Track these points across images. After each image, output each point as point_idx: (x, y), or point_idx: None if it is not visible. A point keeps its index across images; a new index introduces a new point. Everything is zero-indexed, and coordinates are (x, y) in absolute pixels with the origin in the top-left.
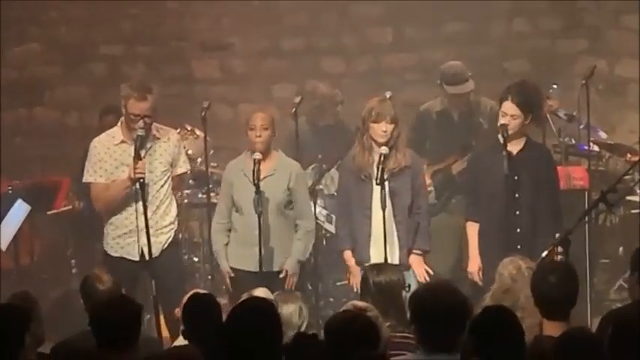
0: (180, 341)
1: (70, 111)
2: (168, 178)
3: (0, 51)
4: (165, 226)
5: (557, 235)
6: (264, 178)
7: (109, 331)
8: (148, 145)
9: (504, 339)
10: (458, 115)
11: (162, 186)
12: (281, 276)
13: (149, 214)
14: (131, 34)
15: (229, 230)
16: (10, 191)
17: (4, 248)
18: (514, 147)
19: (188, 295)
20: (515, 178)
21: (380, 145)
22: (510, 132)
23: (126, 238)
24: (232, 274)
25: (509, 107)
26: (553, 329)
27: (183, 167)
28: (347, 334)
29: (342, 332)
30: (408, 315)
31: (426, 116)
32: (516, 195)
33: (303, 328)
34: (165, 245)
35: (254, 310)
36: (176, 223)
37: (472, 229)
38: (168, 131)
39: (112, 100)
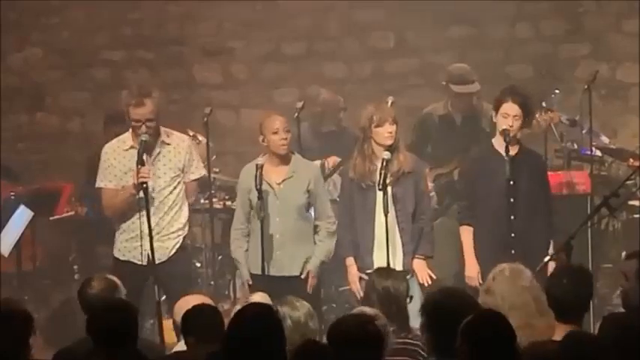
0: (183, 346)
1: (72, 116)
2: (179, 183)
3: (1, 56)
4: (173, 232)
5: (552, 240)
6: (284, 180)
7: (103, 335)
8: (157, 151)
9: (495, 343)
10: (460, 120)
11: (171, 192)
12: (302, 276)
13: (156, 219)
14: (132, 39)
15: (247, 235)
16: (13, 197)
17: (6, 254)
18: (510, 152)
19: (192, 300)
20: (512, 183)
21: (386, 147)
22: (512, 134)
23: (133, 242)
24: (251, 282)
25: (510, 108)
26: (565, 332)
27: (196, 173)
28: (354, 340)
29: (349, 338)
30: (420, 321)
31: (428, 119)
32: (512, 200)
33: (318, 331)
34: (173, 251)
35: (254, 317)
36: (186, 229)
37: (466, 234)
38: (178, 137)
39: (114, 105)
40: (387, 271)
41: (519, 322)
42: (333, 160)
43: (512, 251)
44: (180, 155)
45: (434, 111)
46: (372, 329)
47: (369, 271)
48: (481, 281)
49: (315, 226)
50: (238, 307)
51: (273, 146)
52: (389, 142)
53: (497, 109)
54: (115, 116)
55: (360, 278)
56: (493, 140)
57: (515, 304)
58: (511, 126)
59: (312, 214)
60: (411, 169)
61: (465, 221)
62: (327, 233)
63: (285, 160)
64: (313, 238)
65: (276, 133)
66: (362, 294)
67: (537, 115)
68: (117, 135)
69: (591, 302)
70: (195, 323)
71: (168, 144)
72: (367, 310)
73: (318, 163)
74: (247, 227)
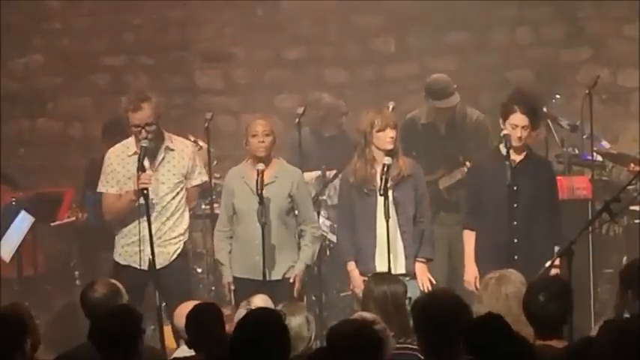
0: (182, 351)
1: (73, 122)
2: (182, 189)
3: (2, 62)
4: (174, 237)
5: (557, 246)
6: (265, 185)
7: (107, 341)
8: (161, 156)
9: (495, 347)
10: (444, 128)
11: (173, 197)
12: (291, 281)
13: (158, 224)
14: (134, 44)
15: (231, 238)
16: (14, 203)
17: (7, 260)
18: (515, 157)
19: (192, 305)
20: (515, 188)
21: (388, 152)
22: (520, 143)
23: (133, 247)
24: (233, 287)
25: (520, 119)
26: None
27: (198, 179)
28: (353, 345)
29: (347, 343)
30: (411, 324)
31: (410, 126)
32: (515, 205)
33: (312, 340)
34: (174, 256)
35: (261, 322)
36: (187, 234)
37: (468, 238)
38: (182, 142)
39: (115, 110)
40: (382, 276)
41: None
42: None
43: (515, 257)
44: (184, 161)
45: (416, 117)
46: (370, 333)
47: (371, 275)
48: (478, 286)
49: (300, 231)
50: (242, 310)
51: (251, 148)
52: (390, 146)
53: (505, 117)
54: (112, 124)
55: (364, 282)
56: (501, 146)
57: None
58: (520, 137)
59: (294, 219)
60: (411, 172)
61: (468, 226)
62: (312, 238)
63: (269, 164)
64: (297, 243)
65: (255, 136)
66: None
67: None
68: (115, 143)
69: (592, 307)
70: (200, 321)
71: (172, 150)
72: (366, 315)
73: (318, 173)
74: (230, 230)
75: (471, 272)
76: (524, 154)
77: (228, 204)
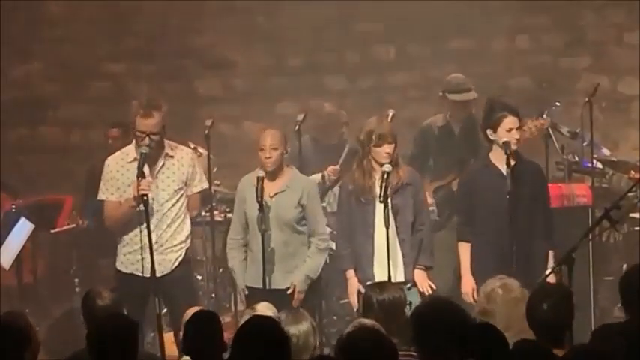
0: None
1: (73, 129)
2: (182, 196)
3: (2, 69)
4: (176, 245)
5: (552, 252)
6: (276, 194)
7: (102, 348)
8: (160, 163)
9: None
10: (459, 130)
11: (173, 204)
12: (289, 292)
13: (159, 232)
14: (134, 52)
15: (245, 246)
16: (14, 210)
17: (7, 267)
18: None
19: (191, 313)
20: (507, 197)
21: (383, 165)
22: (520, 144)
23: (135, 254)
24: (247, 292)
25: (512, 121)
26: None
27: (198, 186)
28: (369, 353)
29: (364, 351)
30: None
31: (427, 131)
32: (510, 214)
33: (317, 347)
34: (176, 263)
35: (261, 329)
36: (188, 241)
37: (463, 250)
38: (182, 149)
39: (116, 117)
40: (381, 285)
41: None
42: (333, 170)
43: (514, 265)
44: (183, 168)
45: (433, 123)
46: (388, 342)
47: (369, 283)
48: (476, 297)
49: (309, 243)
50: (246, 317)
51: (260, 162)
52: (386, 161)
53: (496, 126)
54: (116, 122)
55: (359, 291)
56: (490, 154)
57: (511, 320)
58: (518, 138)
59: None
60: (410, 180)
61: (463, 238)
62: (316, 250)
63: (280, 174)
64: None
65: (262, 150)
66: (358, 306)
67: (529, 122)
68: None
69: (592, 314)
70: (198, 328)
71: (171, 157)
72: (366, 321)
73: (318, 175)
74: (244, 238)
75: (468, 284)
76: (514, 161)
77: (241, 212)
